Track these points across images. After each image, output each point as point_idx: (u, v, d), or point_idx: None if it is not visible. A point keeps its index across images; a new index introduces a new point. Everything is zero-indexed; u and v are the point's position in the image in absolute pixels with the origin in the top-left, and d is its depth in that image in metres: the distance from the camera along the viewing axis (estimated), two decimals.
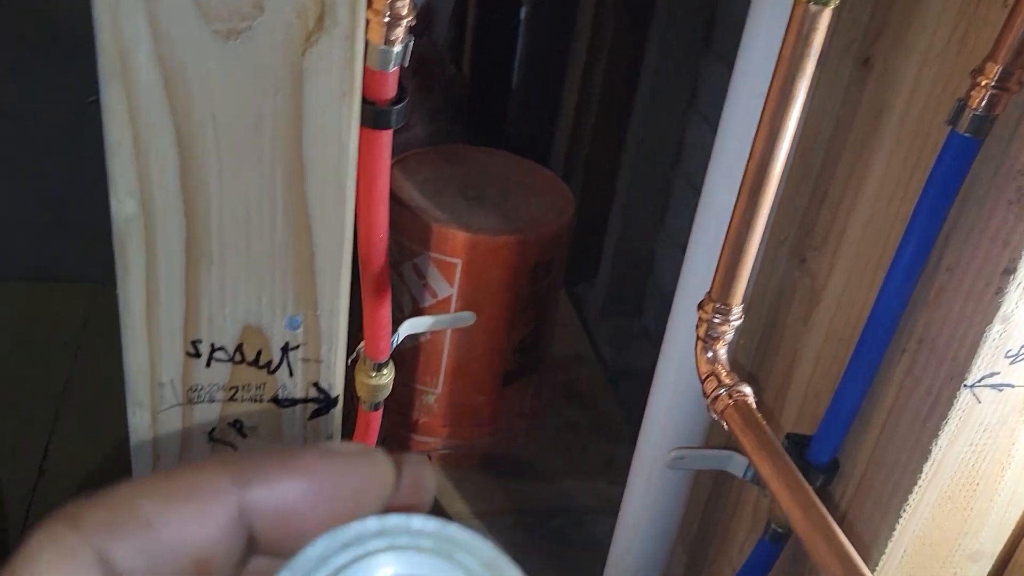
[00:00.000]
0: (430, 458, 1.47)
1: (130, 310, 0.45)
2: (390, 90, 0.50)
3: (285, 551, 0.21)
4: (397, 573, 0.20)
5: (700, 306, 0.57)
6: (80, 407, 1.50)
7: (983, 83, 0.53)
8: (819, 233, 0.74)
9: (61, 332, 1.65)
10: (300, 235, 0.45)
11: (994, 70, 0.53)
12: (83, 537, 0.19)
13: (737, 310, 0.56)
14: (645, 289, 1.83)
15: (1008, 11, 0.53)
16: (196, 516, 0.20)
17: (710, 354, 0.57)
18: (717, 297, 0.55)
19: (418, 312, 1.38)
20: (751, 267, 0.55)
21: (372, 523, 0.20)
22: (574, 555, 1.38)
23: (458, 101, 2.02)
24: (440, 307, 1.35)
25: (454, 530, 0.21)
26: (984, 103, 0.54)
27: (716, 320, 0.56)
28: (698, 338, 0.57)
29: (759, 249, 0.72)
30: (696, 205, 0.76)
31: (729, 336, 0.57)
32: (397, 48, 0.49)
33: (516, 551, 0.22)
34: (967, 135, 0.55)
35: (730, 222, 0.54)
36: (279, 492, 0.20)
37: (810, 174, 0.75)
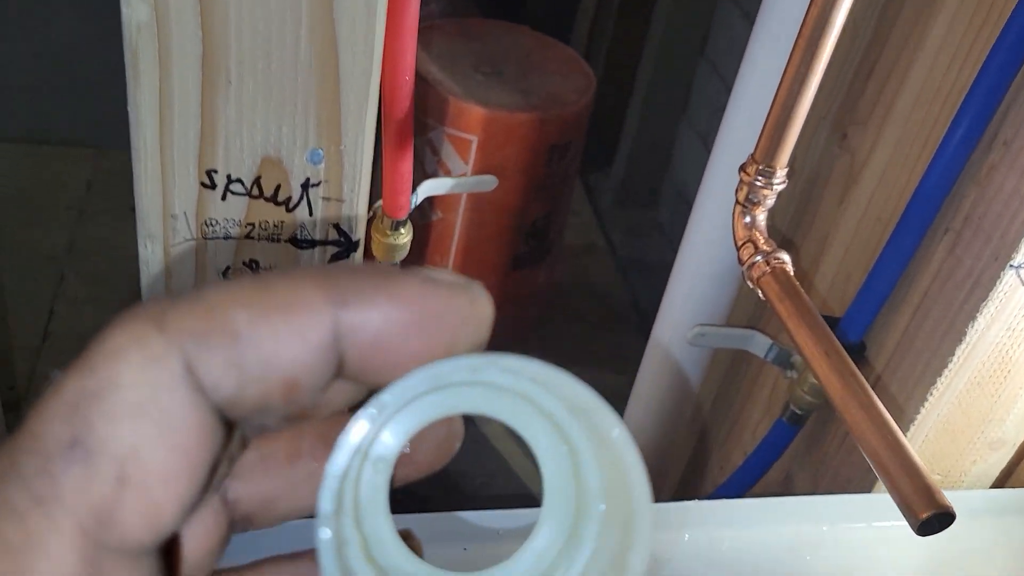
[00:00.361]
0: None
1: (141, 131, 0.41)
2: None
3: (370, 380, 0.19)
4: (476, 411, 0.19)
5: (742, 168, 0.54)
6: (84, 270, 1.48)
7: None
8: (864, 107, 0.70)
9: (65, 195, 1.62)
10: (325, 59, 0.41)
11: None
12: (170, 342, 0.17)
13: (781, 173, 0.53)
14: (662, 182, 1.80)
15: None
16: (289, 334, 0.18)
17: (748, 219, 0.54)
18: (761, 159, 0.52)
19: None
20: (799, 127, 0.51)
21: (463, 361, 0.19)
22: None
23: None
24: None
25: (545, 371, 0.19)
26: None
27: (759, 183, 0.53)
28: (737, 202, 0.55)
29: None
30: (723, 98, 0.72)
31: (770, 201, 0.54)
32: None
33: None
34: None
35: (782, 78, 0.50)
36: (377, 319, 0.18)
37: (860, 44, 0.71)
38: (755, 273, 0.54)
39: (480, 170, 1.30)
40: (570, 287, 1.64)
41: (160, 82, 0.40)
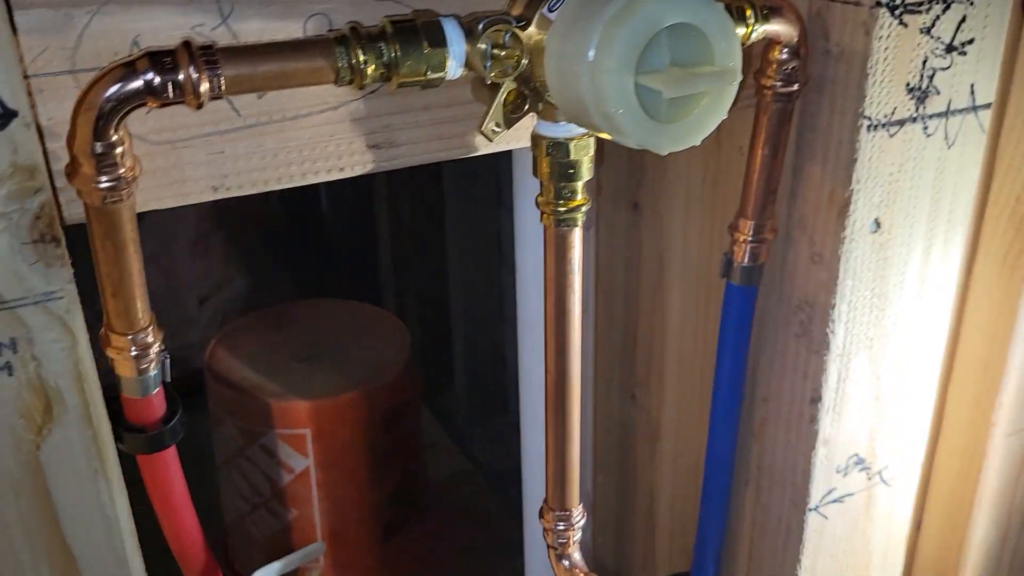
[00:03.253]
0: None
1: None
2: (157, 410, 0.47)
3: None
4: None
5: (541, 515, 0.56)
6: None
7: (741, 239, 0.55)
8: (640, 370, 0.75)
9: None
10: None
11: (747, 226, 0.55)
12: None
13: (578, 512, 0.55)
14: (505, 384, 1.83)
15: (746, 163, 0.54)
16: None
17: (566, 562, 0.56)
18: (555, 506, 0.54)
19: (278, 491, 1.32)
20: (578, 469, 0.54)
21: None
22: None
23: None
24: (299, 481, 1.29)
25: None
26: (747, 255, 0.55)
27: (560, 527, 0.55)
28: (549, 547, 0.56)
29: (589, 389, 0.72)
30: None
31: (578, 536, 0.56)
32: (153, 371, 0.46)
33: None
34: (742, 286, 0.57)
35: (546, 437, 0.53)
36: None
37: (617, 315, 0.76)
38: None
39: (321, 458, 1.29)
40: (453, 522, 1.61)
41: None
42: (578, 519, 0.55)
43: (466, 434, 1.80)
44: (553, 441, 0.53)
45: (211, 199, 0.43)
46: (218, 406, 1.32)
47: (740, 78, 0.38)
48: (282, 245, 2.08)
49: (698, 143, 0.39)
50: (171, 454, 0.50)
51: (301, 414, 1.27)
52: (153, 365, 0.46)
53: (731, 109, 0.52)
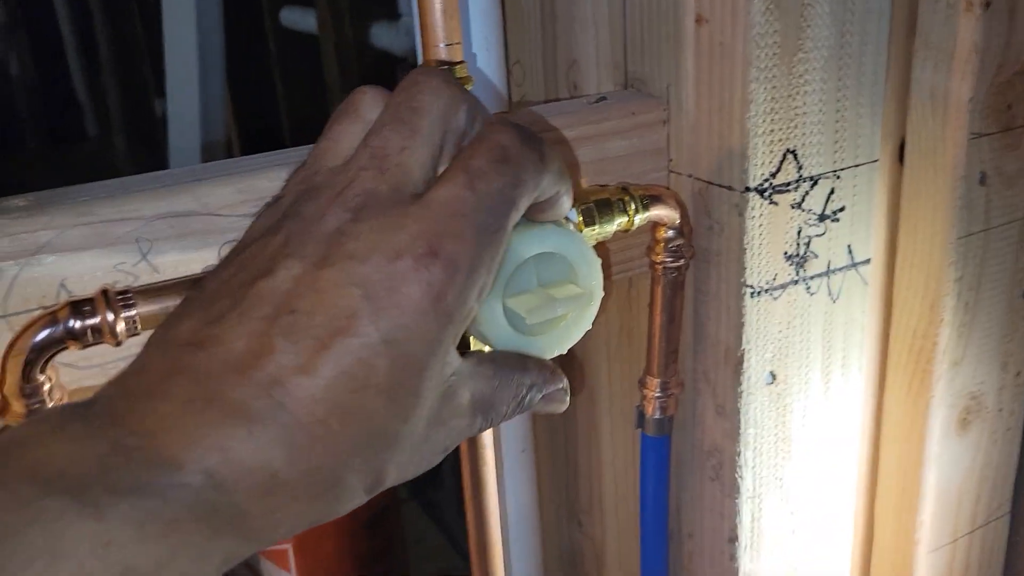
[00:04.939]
0: None
1: None
2: None
3: None
4: None
5: None
6: None
7: (650, 395, 0.59)
8: (583, 498, 0.78)
9: None
10: None
11: (654, 383, 0.59)
12: None
13: None
14: None
15: (648, 327, 0.59)
16: None
17: None
18: None
19: None
20: None
21: None
22: None
23: None
24: None
25: None
26: (657, 409, 0.59)
27: None
28: None
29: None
30: None
31: None
32: None
33: None
34: (655, 436, 0.60)
35: None
36: None
37: (559, 445, 0.79)
38: None
39: (306, 572, 1.31)
40: None
41: None
42: None
43: (456, 528, 1.82)
44: None
45: None
46: None
47: (601, 295, 0.42)
48: None
49: (565, 351, 0.43)
50: None
51: None
52: None
53: (635, 276, 0.56)
